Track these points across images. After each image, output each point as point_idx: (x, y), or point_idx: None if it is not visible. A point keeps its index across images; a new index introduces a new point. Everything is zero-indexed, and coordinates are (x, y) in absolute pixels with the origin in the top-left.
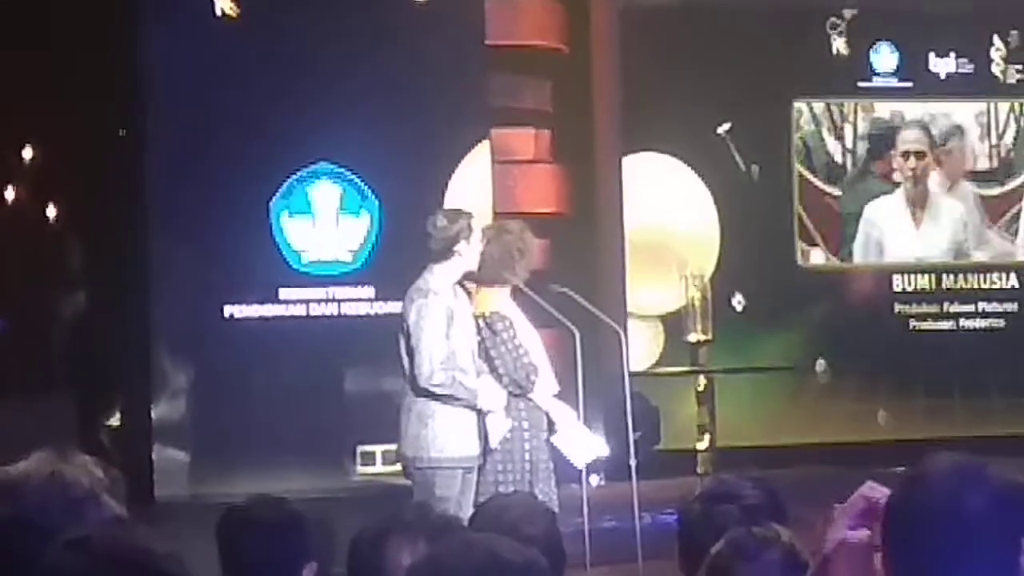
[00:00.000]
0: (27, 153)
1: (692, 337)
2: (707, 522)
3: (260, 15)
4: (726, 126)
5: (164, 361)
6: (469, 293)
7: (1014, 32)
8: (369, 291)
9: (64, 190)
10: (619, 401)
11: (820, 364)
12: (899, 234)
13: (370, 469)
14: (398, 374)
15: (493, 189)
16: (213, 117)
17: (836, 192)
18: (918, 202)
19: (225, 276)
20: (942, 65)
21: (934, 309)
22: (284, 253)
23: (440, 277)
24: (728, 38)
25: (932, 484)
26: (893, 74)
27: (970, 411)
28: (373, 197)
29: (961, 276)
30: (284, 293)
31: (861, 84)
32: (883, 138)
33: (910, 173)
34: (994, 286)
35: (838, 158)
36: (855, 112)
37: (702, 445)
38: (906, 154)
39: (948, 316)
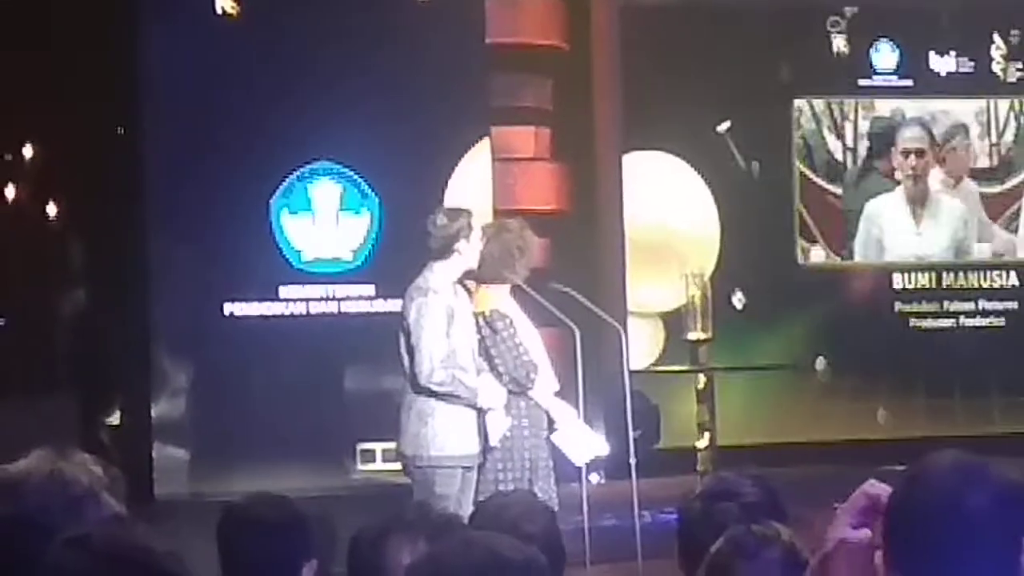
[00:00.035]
0: (27, 153)
1: (692, 335)
2: (707, 520)
3: (260, 14)
4: (726, 124)
5: (164, 359)
6: (469, 291)
7: (1015, 30)
8: (369, 289)
9: (64, 189)
10: (619, 399)
11: (820, 362)
12: (899, 232)
13: (370, 467)
14: (398, 372)
15: (493, 187)
16: (213, 116)
17: (837, 190)
18: (918, 200)
19: (225, 275)
20: (942, 63)
21: (934, 307)
22: (284, 251)
23: (440, 275)
24: (728, 36)
25: (933, 482)
26: (893, 72)
27: (970, 410)
28: (373, 195)
29: (961, 274)
30: (284, 291)
31: (862, 82)
32: (883, 136)
33: (910, 171)
34: (994, 284)
35: (839, 156)
36: (856, 110)
37: (702, 443)
38: (906, 152)
39: (948, 314)
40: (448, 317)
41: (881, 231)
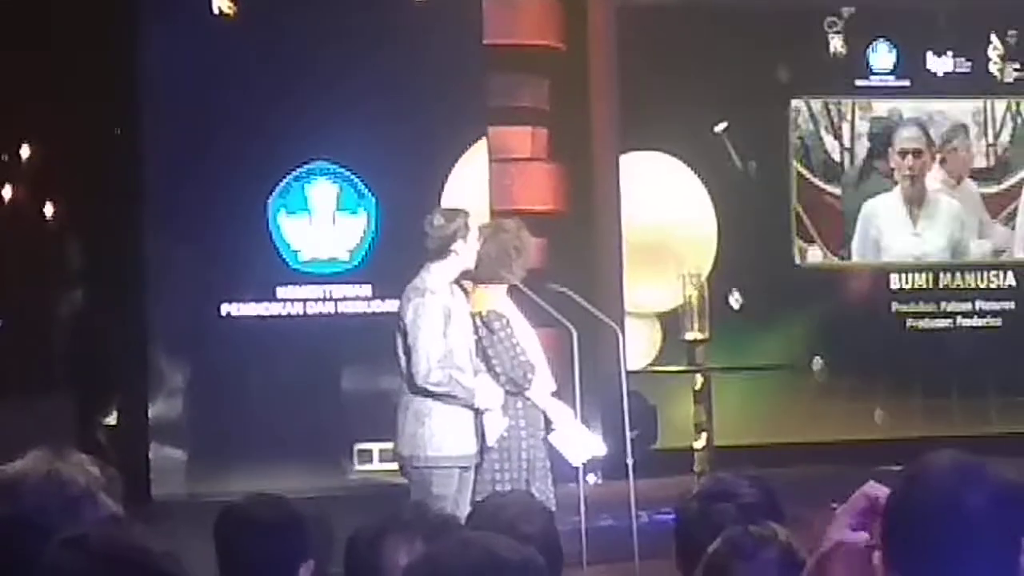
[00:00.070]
0: (25, 152)
1: (689, 335)
2: (704, 521)
3: (259, 15)
4: (723, 125)
5: (161, 359)
6: (466, 291)
7: (1012, 31)
8: (366, 290)
9: (62, 189)
10: (616, 399)
11: (817, 362)
12: (896, 233)
13: (367, 467)
14: (395, 372)
15: (490, 187)
16: (211, 116)
17: (834, 190)
18: (916, 200)
19: (222, 275)
20: (940, 64)
21: (931, 308)
22: (281, 252)
23: (437, 276)
24: (725, 37)
25: (932, 482)
26: (891, 73)
27: (967, 410)
28: (370, 195)
29: (958, 274)
30: (281, 292)
31: (859, 83)
32: (881, 137)
33: (907, 172)
34: (991, 285)
35: (836, 156)
36: (853, 111)
37: (699, 444)
38: (903, 152)
39: (945, 315)
40: (445, 317)
41: (878, 231)
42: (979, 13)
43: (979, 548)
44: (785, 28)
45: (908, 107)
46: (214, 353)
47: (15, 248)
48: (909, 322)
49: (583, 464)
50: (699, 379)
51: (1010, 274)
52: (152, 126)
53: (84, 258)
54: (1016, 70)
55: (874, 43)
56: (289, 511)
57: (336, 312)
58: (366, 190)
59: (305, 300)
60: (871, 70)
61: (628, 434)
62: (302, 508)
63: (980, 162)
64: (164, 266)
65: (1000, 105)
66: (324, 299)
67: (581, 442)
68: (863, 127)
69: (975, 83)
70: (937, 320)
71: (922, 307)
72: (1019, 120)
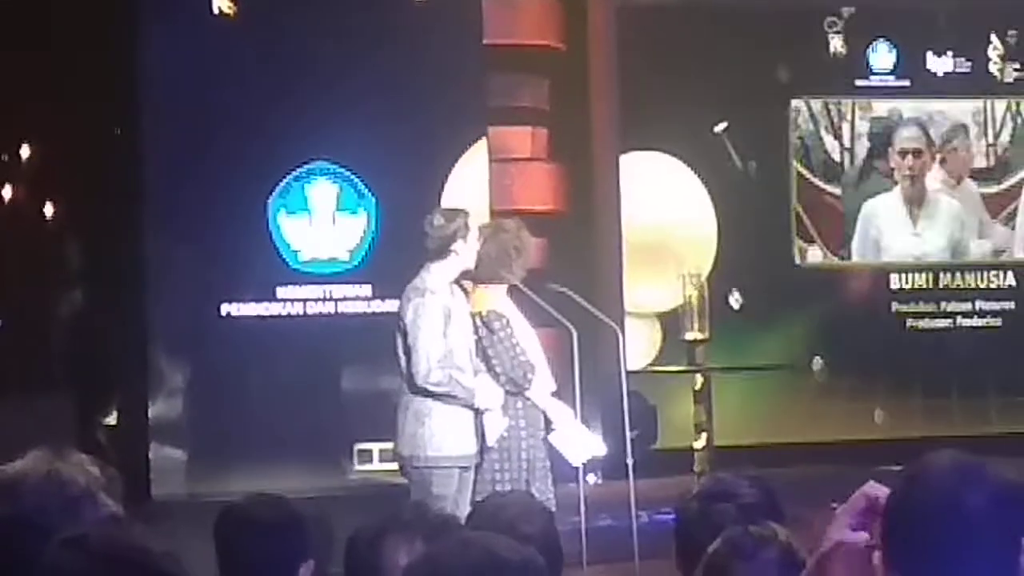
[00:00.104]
0: (26, 152)
1: (689, 335)
2: (704, 521)
3: (259, 15)
4: (723, 125)
5: (161, 359)
6: (466, 291)
7: (1012, 31)
8: (366, 290)
9: (63, 189)
10: (616, 400)
11: (817, 363)
12: (896, 233)
13: (367, 467)
14: (395, 372)
15: (490, 187)
16: (211, 116)
17: (834, 190)
18: (916, 200)
19: (222, 275)
20: (940, 64)
21: (931, 308)
22: (281, 252)
23: (437, 276)
24: (725, 37)
25: (932, 482)
26: (891, 73)
27: (967, 410)
28: (370, 195)
29: (958, 275)
30: (281, 292)
31: (859, 83)
32: (881, 137)
33: (907, 171)
34: (991, 285)
35: (836, 156)
36: (853, 111)
37: (699, 444)
38: (903, 152)
39: (945, 315)
40: (445, 317)
41: (878, 231)
42: (979, 13)
43: (979, 548)
44: (785, 28)
45: (908, 107)
46: (214, 353)
47: (15, 248)
48: (909, 322)
49: (583, 464)
50: (699, 379)
51: (1010, 274)
52: (152, 126)
53: (84, 258)
54: (1016, 70)
55: (874, 43)
56: (289, 511)
57: (336, 312)
58: (366, 190)
59: (305, 300)
60: (871, 70)
61: (628, 434)
62: (302, 508)
63: (980, 162)
64: (164, 266)
65: (1000, 105)
66: (324, 299)
67: (581, 442)
68: (863, 127)
69: (975, 83)
70: (937, 320)
71: (922, 307)
72: (1019, 120)
